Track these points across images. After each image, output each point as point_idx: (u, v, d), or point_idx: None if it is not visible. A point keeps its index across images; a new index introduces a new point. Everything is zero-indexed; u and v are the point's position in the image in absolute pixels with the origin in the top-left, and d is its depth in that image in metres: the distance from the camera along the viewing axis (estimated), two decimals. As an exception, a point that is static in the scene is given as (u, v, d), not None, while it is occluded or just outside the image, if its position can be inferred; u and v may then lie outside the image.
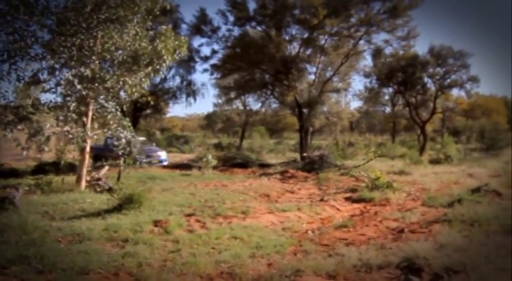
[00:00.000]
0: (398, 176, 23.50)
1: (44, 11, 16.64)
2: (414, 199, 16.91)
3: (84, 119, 17.96)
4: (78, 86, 16.67)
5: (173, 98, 47.08)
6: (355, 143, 61.04)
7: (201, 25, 39.09)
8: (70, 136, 17.22)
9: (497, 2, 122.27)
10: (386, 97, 57.25)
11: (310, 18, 35.59)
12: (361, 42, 39.56)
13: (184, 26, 40.77)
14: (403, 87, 44.26)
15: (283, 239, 11.24)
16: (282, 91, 40.37)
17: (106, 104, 18.12)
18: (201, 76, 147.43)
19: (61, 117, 16.85)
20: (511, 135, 56.52)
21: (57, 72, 17.38)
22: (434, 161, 33.62)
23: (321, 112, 48.95)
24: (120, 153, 18.77)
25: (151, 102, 32.35)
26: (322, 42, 38.70)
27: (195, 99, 46.73)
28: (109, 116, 18.22)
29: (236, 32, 39.02)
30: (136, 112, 44.07)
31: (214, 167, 27.88)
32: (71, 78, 16.59)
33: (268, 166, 31.84)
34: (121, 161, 19.17)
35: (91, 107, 18.07)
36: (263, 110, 55.93)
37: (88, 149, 18.62)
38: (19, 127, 16.39)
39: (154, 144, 37.82)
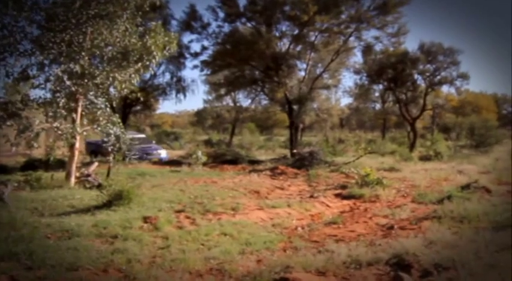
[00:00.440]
0: (389, 173, 23.52)
1: (33, 6, 16.58)
2: (404, 196, 16.93)
3: (74, 115, 17.91)
4: (68, 82, 16.63)
5: (163, 95, 47.08)
6: (345, 140, 61.24)
7: (191, 21, 38.99)
8: (59, 132, 17.19)
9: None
10: (377, 94, 57.31)
11: (301, 14, 35.58)
12: (352, 38, 39.55)
13: (174, 22, 40.70)
14: (393, 84, 44.31)
15: (272, 236, 11.28)
16: (272, 88, 40.43)
17: (95, 100, 18.09)
18: (191, 72, 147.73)
19: (50, 114, 16.82)
20: (501, 132, 56.84)
21: (46, 68, 17.30)
22: (424, 158, 33.67)
23: (311, 109, 49.06)
24: (109, 149, 18.77)
25: (141, 99, 32.37)
26: (313, 38, 38.70)
27: (185, 95, 46.70)
28: (98, 112, 18.20)
29: (226, 28, 38.97)
30: (126, 108, 43.99)
31: (204, 164, 27.84)
32: (60, 74, 16.54)
33: (258, 162, 31.81)
34: (110, 158, 19.14)
35: (80, 103, 18.03)
36: (253, 106, 56.00)
37: (77, 145, 18.57)
38: (8, 123, 16.32)
39: (154, 142, 37.91)
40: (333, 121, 78.25)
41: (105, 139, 18.82)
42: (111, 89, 18.91)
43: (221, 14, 38.16)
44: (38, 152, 24.65)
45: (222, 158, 31.93)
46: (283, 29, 38.42)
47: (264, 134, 75.79)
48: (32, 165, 23.04)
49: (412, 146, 43.41)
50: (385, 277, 7.54)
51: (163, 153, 33.41)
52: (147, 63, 18.62)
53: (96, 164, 21.31)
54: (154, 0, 19.06)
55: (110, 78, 17.86)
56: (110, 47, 18.14)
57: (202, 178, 21.68)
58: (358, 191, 17.73)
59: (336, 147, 42.33)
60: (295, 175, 24.29)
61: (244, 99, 57.26)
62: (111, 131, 18.27)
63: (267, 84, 40.91)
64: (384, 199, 16.38)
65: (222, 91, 48.44)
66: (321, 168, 25.64)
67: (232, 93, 55.72)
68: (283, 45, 38.72)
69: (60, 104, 16.77)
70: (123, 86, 18.48)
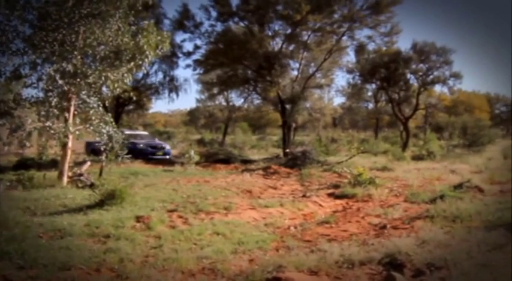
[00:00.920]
0: (381, 172, 23.61)
1: (25, 5, 16.54)
2: (397, 195, 16.98)
3: (66, 114, 17.87)
4: (60, 81, 16.58)
5: (156, 94, 47.25)
6: (338, 139, 61.20)
7: (184, 20, 39.02)
8: (52, 132, 17.12)
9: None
10: (369, 93, 57.65)
11: (293, 14, 35.66)
12: (344, 38, 39.73)
13: (166, 21, 40.85)
14: (386, 84, 44.47)
15: (265, 235, 11.28)
16: (265, 87, 40.50)
17: (88, 100, 18.05)
18: (184, 72, 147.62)
19: (43, 113, 16.75)
20: (493, 131, 56.97)
21: (38, 67, 17.23)
22: (417, 157, 33.83)
23: (303, 108, 49.05)
24: (102, 148, 18.76)
25: (134, 98, 32.30)
26: (305, 38, 38.84)
27: (177, 95, 46.86)
28: (91, 112, 18.15)
29: (219, 27, 39.03)
30: (118, 108, 44.10)
31: (197, 163, 27.86)
32: (52, 73, 16.50)
33: (250, 161, 31.93)
34: (103, 157, 19.11)
35: (73, 103, 17.99)
36: (246, 106, 56.03)
37: (70, 144, 18.53)
38: (0, 122, 16.26)
39: (156, 138, 38.27)
40: (325, 120, 78.52)
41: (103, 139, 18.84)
42: (104, 89, 18.88)
43: (214, 13, 38.32)
44: (31, 152, 24.56)
45: (214, 158, 31.99)
46: (276, 28, 38.62)
47: (256, 134, 76.00)
48: (24, 164, 22.97)
49: (404, 146, 43.58)
50: (377, 277, 7.56)
51: (167, 147, 33.94)
52: (140, 62, 18.61)
53: (88, 163, 21.31)
54: (147, -1, 19.06)
55: (103, 78, 17.83)
56: (102, 46, 18.11)
57: (195, 177, 21.67)
58: (350, 191, 17.76)
59: (328, 146, 42.35)
60: (288, 174, 24.34)
61: (237, 99, 57.42)
62: (104, 131, 18.24)
63: (259, 83, 40.97)
64: (377, 199, 16.42)
65: (215, 90, 48.44)
66: (313, 167, 25.69)
67: (225, 93, 55.77)
68: (276, 44, 38.87)
69: (53, 103, 16.72)
70: (116, 85, 18.45)
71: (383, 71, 43.19)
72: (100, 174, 19.08)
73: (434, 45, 43.03)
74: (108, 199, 13.13)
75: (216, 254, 9.07)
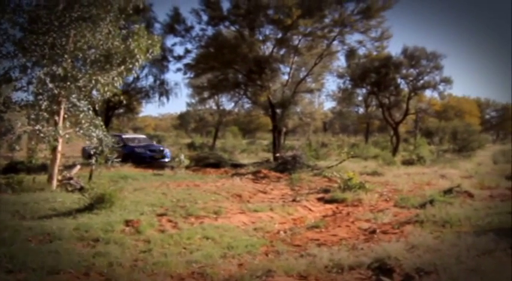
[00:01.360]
0: (371, 177, 23.65)
1: (15, 8, 16.54)
2: (386, 200, 17.04)
3: (56, 118, 17.84)
4: (50, 85, 16.56)
5: (146, 98, 46.94)
6: (328, 144, 61.27)
7: (175, 24, 38.94)
8: (42, 135, 17.07)
9: (469, 3, 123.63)
10: (360, 98, 57.54)
11: (284, 18, 35.63)
12: (335, 42, 39.72)
13: (157, 25, 40.64)
14: (376, 88, 44.45)
15: (254, 240, 11.28)
16: (255, 91, 40.37)
17: (78, 103, 18.00)
18: (174, 75, 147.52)
19: (32, 116, 16.71)
20: (483, 137, 57.20)
21: (29, 71, 17.20)
22: (407, 162, 33.89)
23: (294, 112, 49.04)
24: (91, 152, 18.74)
25: (124, 102, 32.38)
26: (296, 42, 38.78)
27: (168, 98, 46.64)
28: (81, 115, 18.11)
29: (210, 31, 38.92)
30: (108, 111, 43.94)
31: (187, 167, 27.91)
32: (42, 76, 16.48)
33: (240, 166, 31.90)
34: (92, 160, 19.08)
35: (63, 106, 17.96)
36: (236, 110, 55.98)
37: (60, 148, 18.48)
38: (-11, 126, 16.26)
39: (155, 142, 38.37)
40: (316, 125, 78.69)
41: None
42: (94, 92, 18.86)
43: (205, 17, 38.20)
44: (20, 155, 24.49)
45: (204, 162, 31.92)
46: (267, 32, 38.49)
47: (247, 138, 76.18)
48: (13, 168, 22.95)
49: (395, 150, 43.62)
50: (366, 281, 7.58)
51: (166, 151, 33.86)
52: (130, 66, 18.59)
53: (78, 167, 21.25)
54: (138, 3, 19.03)
55: (93, 81, 17.80)
56: (92, 50, 18.09)
57: (184, 182, 21.65)
58: (340, 195, 17.79)
59: (318, 151, 42.41)
60: (278, 178, 24.32)
61: (227, 103, 57.29)
62: (94, 134, 18.21)
63: (250, 87, 40.88)
64: (367, 203, 16.46)
65: (205, 94, 48.38)
66: (303, 172, 25.72)
67: (216, 97, 55.73)
68: (267, 48, 38.76)
69: (43, 107, 16.69)
70: (106, 89, 18.41)
71: (373, 75, 43.16)
72: (90, 178, 19.06)
73: (424, 50, 43.15)
74: (97, 203, 13.13)
75: (205, 259, 9.08)
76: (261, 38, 38.21)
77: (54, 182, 17.96)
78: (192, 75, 42.77)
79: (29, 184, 17.66)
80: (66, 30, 17.03)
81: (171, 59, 41.76)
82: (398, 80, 44.69)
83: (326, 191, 19.50)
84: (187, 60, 40.22)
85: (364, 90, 50.25)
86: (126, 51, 18.16)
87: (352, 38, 39.52)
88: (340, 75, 46.65)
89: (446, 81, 43.56)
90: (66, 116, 18.32)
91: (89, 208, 13.00)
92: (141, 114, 71.18)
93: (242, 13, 36.37)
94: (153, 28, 39.17)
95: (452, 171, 26.07)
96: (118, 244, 9.81)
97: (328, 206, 16.91)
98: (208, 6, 37.25)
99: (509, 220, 10.96)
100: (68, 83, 17.10)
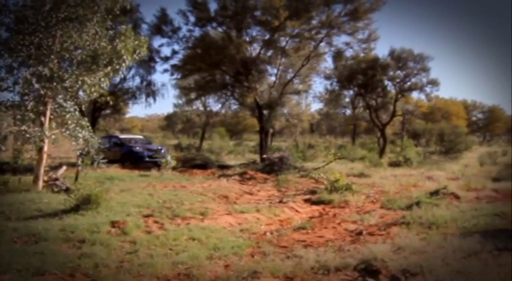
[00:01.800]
0: (358, 179, 23.69)
1: (2, 8, 16.49)
2: (373, 202, 17.07)
3: (42, 118, 17.74)
4: (36, 85, 16.50)
5: (133, 98, 46.91)
6: (315, 145, 61.29)
7: (162, 25, 38.85)
8: (27, 136, 16.99)
9: (456, 6, 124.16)
10: (347, 99, 57.84)
11: (271, 19, 35.65)
12: (322, 44, 39.72)
13: (144, 26, 40.62)
14: (363, 90, 44.56)
15: (241, 241, 11.31)
16: (242, 92, 40.35)
17: (64, 104, 17.93)
18: (161, 76, 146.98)
19: (18, 117, 16.64)
20: (470, 138, 57.42)
21: (15, 71, 17.11)
22: (394, 164, 33.91)
23: (281, 114, 49.18)
24: (77, 153, 18.67)
25: (111, 102, 32.37)
26: (283, 44, 38.76)
27: (154, 99, 46.69)
28: (67, 116, 18.03)
29: (197, 32, 38.83)
30: (95, 112, 43.89)
31: (174, 168, 27.84)
32: (29, 77, 16.41)
33: (227, 167, 31.88)
34: (79, 161, 19.02)
35: (49, 107, 17.86)
36: (223, 111, 56.12)
37: (46, 148, 18.40)
38: (-25, 126, 16.17)
39: (152, 142, 38.37)
40: (303, 126, 78.79)
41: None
42: (80, 93, 18.76)
43: (192, 18, 38.10)
44: (6, 156, 24.36)
45: (191, 163, 31.88)
46: (254, 34, 38.48)
47: (234, 139, 76.13)
48: (-1, 168, 22.85)
49: (381, 152, 43.69)
50: (352, 283, 7.60)
51: (164, 151, 33.45)
52: (117, 67, 18.51)
53: (64, 168, 21.16)
54: (125, 3, 18.96)
55: (79, 82, 17.71)
56: (79, 50, 18.02)
57: (171, 183, 21.60)
58: (327, 197, 17.84)
59: (305, 152, 42.42)
60: (265, 180, 24.32)
61: (214, 104, 57.54)
62: (80, 135, 18.13)
63: (237, 89, 40.85)
64: (353, 205, 16.51)
65: (192, 95, 48.18)
66: (290, 173, 25.70)
67: (203, 98, 55.67)
68: (254, 50, 38.76)
69: (29, 107, 16.63)
70: (93, 89, 18.32)
71: (360, 77, 43.25)
72: (76, 179, 18.98)
73: (411, 52, 43.26)
74: (83, 204, 13.09)
75: (191, 260, 9.08)
76: (248, 39, 38.22)
77: (40, 183, 17.86)
78: (179, 76, 42.66)
79: (15, 184, 17.55)
80: (53, 31, 16.96)
81: (158, 60, 41.71)
82: (386, 82, 44.83)
83: (313, 192, 19.52)
84: (175, 61, 40.17)
85: (351, 92, 50.56)
86: (113, 52, 18.10)
87: (340, 40, 39.62)
88: (327, 77, 46.78)
89: (433, 83, 43.70)
90: (52, 116, 18.23)
91: (75, 209, 12.95)
92: (127, 115, 71.37)
93: (229, 14, 36.33)
94: (140, 29, 39.22)
95: (439, 173, 26.14)
96: (104, 245, 9.78)
97: (314, 207, 16.96)
98: (196, 7, 37.18)
99: (495, 221, 11.04)
100: (54, 84, 17.03)
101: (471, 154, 47.55)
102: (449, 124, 60.41)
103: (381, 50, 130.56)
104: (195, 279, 8.11)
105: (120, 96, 45.01)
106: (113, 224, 11.60)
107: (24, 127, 16.72)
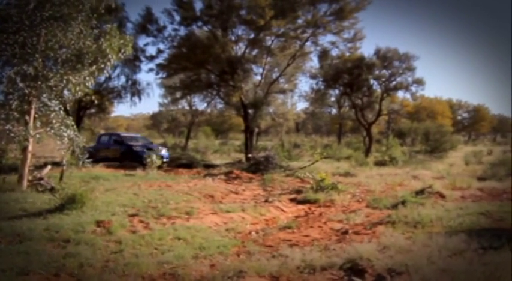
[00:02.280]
0: (344, 178, 23.79)
1: (-15, 7, 16.40)
2: (359, 201, 17.11)
3: (27, 117, 17.64)
4: (21, 84, 16.40)
5: (118, 98, 46.94)
6: (301, 145, 61.39)
7: (147, 24, 38.85)
8: (12, 135, 16.90)
9: (442, 5, 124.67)
10: (333, 99, 57.88)
11: (257, 19, 35.71)
12: (308, 43, 39.95)
13: (129, 25, 40.66)
14: (349, 89, 44.70)
15: (226, 240, 11.27)
16: (228, 92, 40.44)
17: (49, 103, 17.83)
18: (147, 76, 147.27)
19: (3, 116, 16.54)
20: (455, 138, 57.70)
21: (-1, 70, 17.08)
22: (380, 163, 34.08)
23: (266, 113, 49.07)
24: (62, 152, 18.59)
25: (96, 102, 32.22)
26: (269, 43, 38.91)
27: (140, 99, 46.71)
28: (52, 115, 17.92)
29: (182, 31, 38.94)
30: (80, 111, 43.83)
31: (159, 167, 27.74)
32: (13, 76, 16.31)
33: (213, 166, 31.96)
34: (63, 161, 18.94)
35: (33, 106, 17.76)
36: (209, 110, 56.19)
37: (30, 148, 18.31)
38: (-41, 125, 16.08)
39: (152, 142, 38.25)
40: (288, 126, 78.67)
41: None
42: (65, 92, 18.65)
43: (177, 17, 38.19)
44: (-10, 155, 24.26)
45: (177, 162, 32.01)
46: (239, 33, 38.63)
47: (219, 138, 76.27)
48: (-17, 168, 22.72)
49: (367, 151, 43.89)
50: (338, 282, 7.61)
51: (164, 151, 33.42)
52: (102, 66, 18.42)
53: (49, 167, 21.07)
54: (110, 2, 18.88)
55: (64, 81, 17.62)
56: (64, 49, 17.91)
57: (156, 182, 21.52)
58: (313, 196, 17.86)
59: (291, 151, 42.40)
60: (250, 179, 24.33)
61: (200, 103, 57.55)
62: (65, 134, 18.04)
63: (222, 88, 40.97)
64: (339, 204, 16.54)
65: (178, 95, 48.15)
66: (276, 172, 25.75)
67: (188, 97, 55.77)
68: (239, 49, 38.87)
69: (13, 107, 16.53)
70: (77, 88, 18.23)
71: (346, 76, 43.39)
72: (60, 178, 18.89)
73: (397, 52, 43.49)
74: (68, 203, 13.00)
75: (177, 259, 9.05)
76: (233, 38, 38.29)
77: (25, 183, 17.76)
78: (164, 76, 42.68)
79: (-1, 184, 17.48)
80: (37, 30, 16.86)
81: (143, 59, 41.77)
82: (371, 81, 45.07)
83: (298, 191, 19.55)
84: (160, 60, 40.24)
85: (336, 91, 50.56)
86: (98, 51, 18.01)
87: (325, 39, 39.93)
88: (313, 76, 46.84)
89: (419, 82, 43.93)
90: (36, 115, 18.12)
91: (60, 209, 12.86)
92: (112, 115, 71.19)
93: (215, 13, 36.37)
94: (125, 28, 39.28)
95: (424, 172, 26.27)
96: (89, 244, 9.73)
97: (300, 206, 16.98)
98: (181, 6, 37.21)
99: (480, 220, 11.09)
100: (39, 83, 16.94)
101: (456, 153, 47.88)
102: (435, 123, 60.70)
103: (367, 50, 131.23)
104: (181, 279, 8.09)
105: (105, 95, 44.95)
106: (98, 223, 11.54)
107: (8, 126, 16.62)
